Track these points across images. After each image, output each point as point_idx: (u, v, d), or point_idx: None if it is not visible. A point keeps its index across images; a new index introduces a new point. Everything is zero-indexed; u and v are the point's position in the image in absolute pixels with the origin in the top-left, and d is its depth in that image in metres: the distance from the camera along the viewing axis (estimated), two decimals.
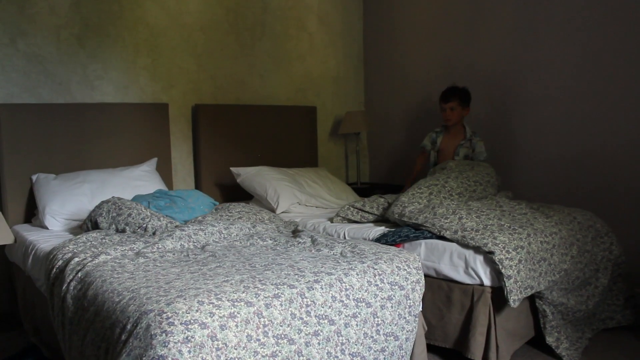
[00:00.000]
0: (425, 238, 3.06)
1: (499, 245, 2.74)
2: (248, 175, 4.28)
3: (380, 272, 2.32)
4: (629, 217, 3.79)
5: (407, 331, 2.37)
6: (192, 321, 1.78)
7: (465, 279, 2.87)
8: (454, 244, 2.93)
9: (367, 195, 4.78)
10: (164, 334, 1.72)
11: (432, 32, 5.09)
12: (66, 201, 3.65)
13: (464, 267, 2.86)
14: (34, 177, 3.82)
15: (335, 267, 2.27)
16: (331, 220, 3.67)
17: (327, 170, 5.04)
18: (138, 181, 3.95)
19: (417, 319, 2.44)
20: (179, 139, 4.56)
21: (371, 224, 3.52)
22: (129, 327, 1.82)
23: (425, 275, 2.96)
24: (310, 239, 2.75)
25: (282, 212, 4.05)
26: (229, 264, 2.33)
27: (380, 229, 3.33)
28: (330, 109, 5.52)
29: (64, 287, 2.36)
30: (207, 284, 2.05)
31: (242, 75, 4.88)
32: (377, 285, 2.28)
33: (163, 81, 4.45)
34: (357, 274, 2.26)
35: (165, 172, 4.37)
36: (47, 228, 3.59)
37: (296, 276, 2.15)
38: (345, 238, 3.37)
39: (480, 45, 4.69)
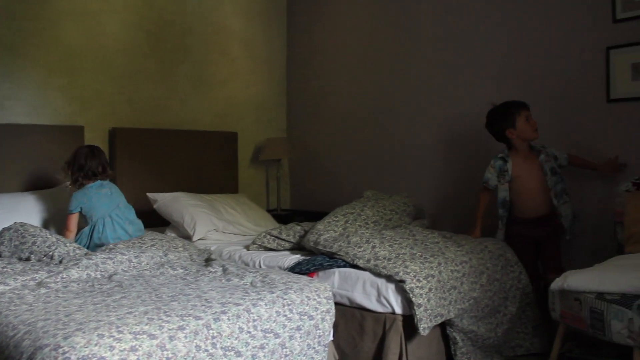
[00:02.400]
0: (339, 267, 3.07)
1: (410, 274, 2.78)
2: (165, 201, 4.20)
3: (289, 302, 2.31)
4: None
5: None
6: (90, 356, 1.72)
7: (378, 308, 2.89)
8: (367, 273, 2.96)
9: (287, 222, 4.77)
10: None
11: (354, 60, 5.17)
12: None
13: (377, 296, 2.89)
14: None
15: (244, 298, 2.24)
16: (247, 247, 3.64)
17: (248, 196, 5.01)
18: (47, 206, 3.81)
19: (326, 348, 2.43)
20: None
21: (287, 252, 3.51)
22: None
23: (339, 304, 2.97)
24: (221, 268, 2.71)
25: (199, 239, 3.99)
26: (134, 294, 2.27)
27: (296, 257, 3.33)
28: (252, 135, 5.50)
29: None
30: (110, 315, 1.98)
31: (162, 99, 4.82)
32: (285, 315, 2.27)
33: (79, 103, 4.33)
34: (266, 304, 2.24)
35: None
36: None
37: (203, 307, 2.11)
38: (260, 266, 3.35)
39: (402, 74, 4.80)
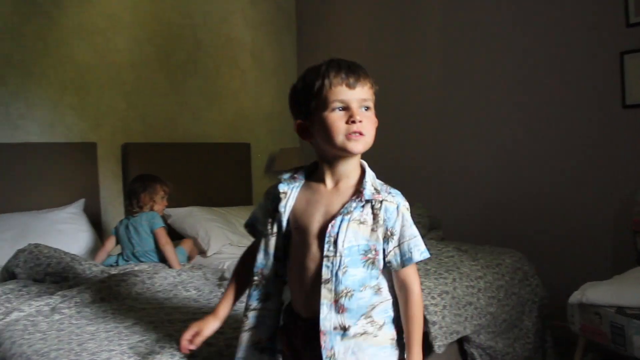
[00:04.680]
0: None
1: (424, 291, 2.75)
2: (179, 216, 4.21)
3: None
4: (552, 258, 3.87)
5: None
6: None
7: None
8: None
9: None
10: None
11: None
12: None
13: None
14: None
15: None
16: None
17: None
18: (63, 224, 3.83)
19: None
20: (108, 178, 4.46)
21: None
22: None
23: None
24: None
25: (214, 254, 3.98)
26: (147, 319, 2.26)
27: None
28: (265, 145, 5.50)
29: None
30: (122, 345, 1.97)
31: (173, 113, 4.82)
32: None
33: (91, 120, 4.35)
34: None
35: (94, 213, 4.25)
36: None
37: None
38: None
39: (410, 81, 4.77)
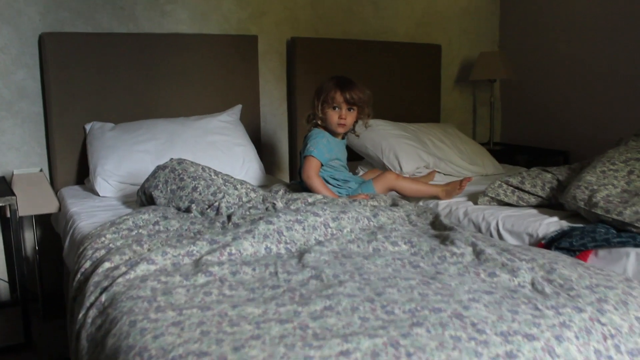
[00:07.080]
0: (637, 245, 1.98)
1: None
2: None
3: (613, 332, 1.29)
4: None
5: None
6: None
7: None
8: None
9: (504, 160, 3.73)
10: None
11: None
12: (123, 159, 2.87)
13: None
14: (88, 127, 3.09)
15: (537, 323, 1.25)
16: (475, 201, 2.64)
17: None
18: (216, 135, 3.11)
19: None
20: (269, 81, 3.68)
21: (534, 211, 2.46)
22: None
23: None
24: (471, 249, 1.70)
25: None
26: (346, 302, 1.33)
27: (554, 222, 2.27)
28: (458, 49, 4.40)
29: (80, 315, 1.49)
30: (312, 357, 1.09)
31: (350, 2, 3.89)
32: (609, 357, 1.26)
33: (251, 7, 3.57)
34: (577, 337, 1.24)
35: (251, 123, 3.51)
36: (97, 194, 2.79)
37: (472, 342, 1.16)
38: (499, 231, 2.35)
39: None
